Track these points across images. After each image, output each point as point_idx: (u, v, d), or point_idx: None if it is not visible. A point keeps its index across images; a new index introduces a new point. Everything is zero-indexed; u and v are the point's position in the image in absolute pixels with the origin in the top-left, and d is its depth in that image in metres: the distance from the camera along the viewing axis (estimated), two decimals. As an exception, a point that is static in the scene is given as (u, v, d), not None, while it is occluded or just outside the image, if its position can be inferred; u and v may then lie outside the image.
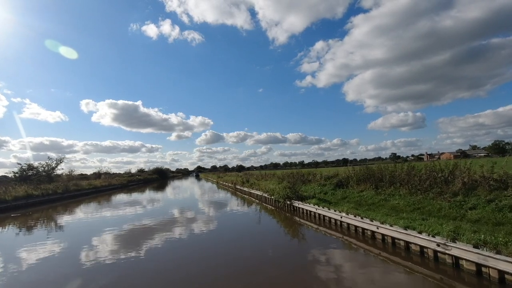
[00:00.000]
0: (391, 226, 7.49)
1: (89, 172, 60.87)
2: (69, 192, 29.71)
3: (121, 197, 29.25)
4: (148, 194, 33.28)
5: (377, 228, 7.96)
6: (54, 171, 36.81)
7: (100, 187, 37.51)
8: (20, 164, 32.64)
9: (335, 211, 10.42)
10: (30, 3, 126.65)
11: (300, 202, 13.31)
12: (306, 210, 12.71)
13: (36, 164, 35.21)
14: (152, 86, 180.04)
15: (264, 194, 18.85)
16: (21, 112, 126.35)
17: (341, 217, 9.85)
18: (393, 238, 7.47)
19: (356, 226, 9.08)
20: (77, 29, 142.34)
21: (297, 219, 12.91)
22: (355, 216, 9.16)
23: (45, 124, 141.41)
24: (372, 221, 8.32)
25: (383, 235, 7.82)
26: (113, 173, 66.06)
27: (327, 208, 11.06)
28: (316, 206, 11.80)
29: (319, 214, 11.55)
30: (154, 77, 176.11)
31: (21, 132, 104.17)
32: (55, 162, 36.77)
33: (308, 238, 9.64)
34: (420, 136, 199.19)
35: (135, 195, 31.45)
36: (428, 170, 11.44)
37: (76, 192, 31.26)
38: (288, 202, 14.50)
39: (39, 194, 24.98)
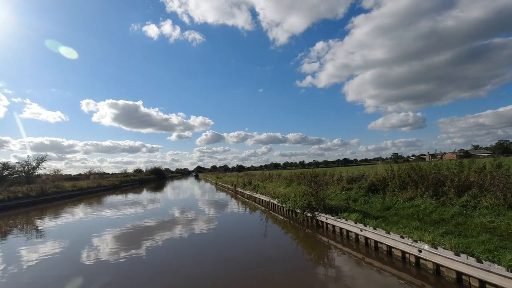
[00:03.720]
0: None
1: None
2: (45, 195, 25.24)
3: (107, 200, 24.81)
4: (138, 196, 28.77)
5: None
6: (35, 171, 32.45)
7: (87, 189, 32.99)
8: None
9: (402, 237, 6.12)
10: (30, 3, 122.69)
11: (330, 217, 9.01)
12: (341, 229, 8.42)
13: (14, 163, 30.86)
14: (153, 86, 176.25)
15: (272, 201, 14.55)
16: (22, 112, 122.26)
17: (420, 251, 5.56)
18: None
19: (462, 274, 4.78)
20: (78, 29, 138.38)
21: (324, 239, 8.69)
22: (458, 255, 4.85)
23: (45, 124, 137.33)
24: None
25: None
26: (107, 173, 61.71)
27: (382, 230, 6.76)
28: (361, 225, 7.50)
29: (368, 239, 7.24)
30: (154, 77, 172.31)
31: (21, 132, 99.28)
32: (36, 161, 32.42)
33: (355, 282, 5.37)
34: (420, 136, 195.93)
35: (122, 198, 27.00)
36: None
37: (56, 195, 26.76)
38: (309, 214, 10.22)
39: (4, 198, 20.58)
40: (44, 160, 32.67)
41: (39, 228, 12.86)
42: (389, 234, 6.48)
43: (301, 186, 17.19)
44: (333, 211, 9.49)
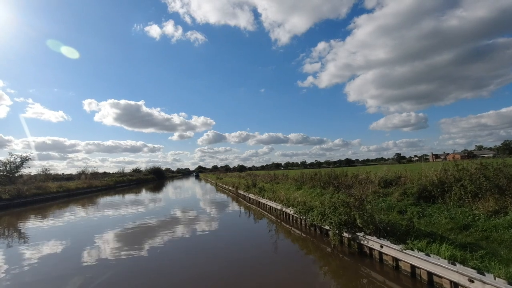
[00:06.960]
0: None
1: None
2: (23, 198, 21.80)
3: (94, 202, 21.32)
4: (131, 197, 25.27)
5: None
6: (19, 170, 29.03)
7: (75, 190, 29.53)
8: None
9: None
10: (32, 3, 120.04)
11: (391, 245, 5.50)
12: (416, 267, 4.91)
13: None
14: (155, 86, 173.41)
15: (285, 209, 11.07)
16: (24, 112, 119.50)
17: None
18: None
19: None
20: (80, 29, 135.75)
21: (376, 277, 5.29)
22: None
23: (48, 124, 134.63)
24: None
25: None
26: (108, 173, 58.32)
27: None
28: (470, 271, 4.00)
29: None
30: (156, 77, 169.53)
31: (26, 132, 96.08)
32: (19, 159, 29.00)
33: None
34: (422, 136, 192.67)
35: (113, 200, 23.51)
36: None
37: (36, 197, 23.31)
38: (347, 235, 6.74)
39: (-34, 202, 17.16)
40: (28, 159, 29.26)
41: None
42: None
43: (317, 189, 13.76)
44: (388, 232, 6.01)
